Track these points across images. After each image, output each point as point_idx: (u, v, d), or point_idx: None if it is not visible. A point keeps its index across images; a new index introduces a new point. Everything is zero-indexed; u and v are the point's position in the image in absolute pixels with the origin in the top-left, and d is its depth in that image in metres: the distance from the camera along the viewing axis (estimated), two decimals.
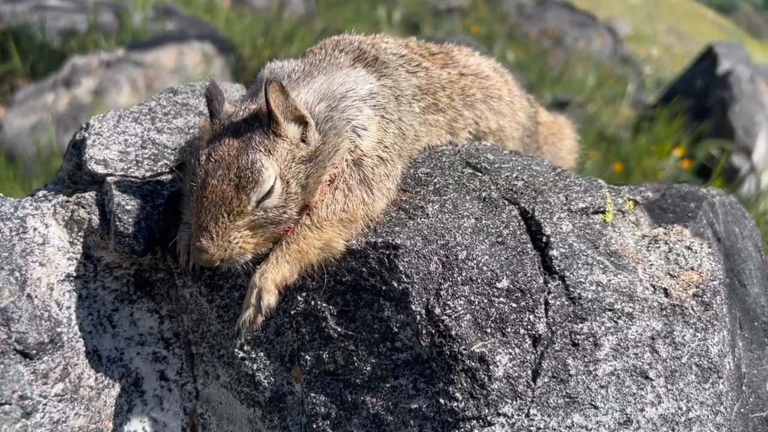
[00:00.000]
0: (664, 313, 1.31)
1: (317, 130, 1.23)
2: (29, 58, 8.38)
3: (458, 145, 1.49)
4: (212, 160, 1.17)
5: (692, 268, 1.38)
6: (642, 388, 1.28)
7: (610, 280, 1.30)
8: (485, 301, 1.21)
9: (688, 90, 8.91)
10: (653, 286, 1.33)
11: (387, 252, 1.21)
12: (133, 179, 1.33)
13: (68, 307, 1.24)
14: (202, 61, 7.89)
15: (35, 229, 1.25)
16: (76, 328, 1.24)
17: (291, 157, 1.19)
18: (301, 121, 1.21)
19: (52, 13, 8.59)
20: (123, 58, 7.78)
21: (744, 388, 1.52)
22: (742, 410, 1.46)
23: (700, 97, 8.64)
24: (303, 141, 1.21)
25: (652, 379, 1.29)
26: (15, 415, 1.10)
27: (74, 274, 1.27)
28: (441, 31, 11.90)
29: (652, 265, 1.37)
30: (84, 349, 1.24)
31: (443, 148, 1.48)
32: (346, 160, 1.26)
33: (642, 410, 1.28)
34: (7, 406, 1.09)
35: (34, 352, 1.13)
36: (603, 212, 1.40)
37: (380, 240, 1.22)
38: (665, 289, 1.34)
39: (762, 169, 8.01)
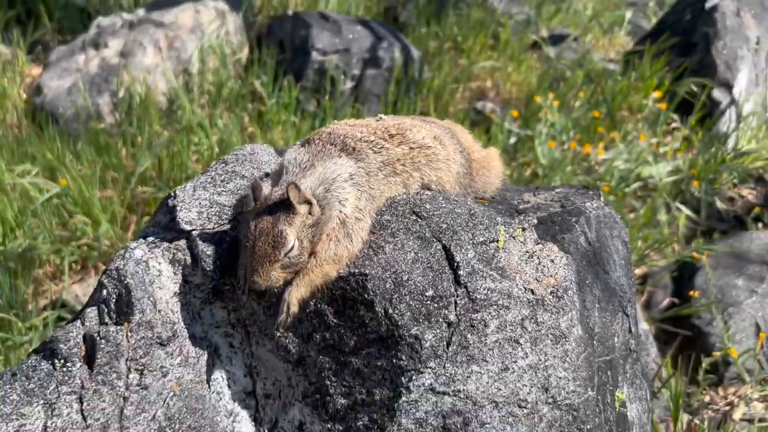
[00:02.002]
0: (531, 304, 2.18)
1: (318, 205, 2.08)
2: (55, 17, 9.02)
3: (409, 195, 2.33)
4: (257, 229, 2.02)
5: (551, 275, 2.24)
6: (515, 349, 2.17)
7: (496, 286, 2.16)
8: (419, 304, 2.09)
9: (677, 24, 9.30)
10: (525, 288, 2.20)
11: (361, 278, 2.08)
12: (207, 231, 2.19)
13: (176, 312, 2.14)
14: (216, 18, 8.51)
15: (154, 267, 2.13)
16: (182, 323, 2.14)
17: (303, 225, 2.04)
18: (308, 202, 2.05)
19: None
20: (144, 18, 8.41)
21: (595, 342, 2.41)
22: (588, 357, 2.35)
23: (687, 32, 9.06)
24: (310, 213, 2.06)
25: (521, 344, 2.17)
26: (158, 376, 2.01)
27: (178, 292, 2.16)
28: None
29: (526, 274, 2.23)
30: (187, 334, 2.15)
31: (400, 198, 2.32)
32: (336, 222, 2.11)
33: (515, 362, 2.17)
34: (154, 372, 2.00)
35: (165, 342, 2.03)
36: (496, 241, 2.25)
37: (357, 271, 2.09)
38: (532, 290, 2.20)
39: (742, 101, 8.57)
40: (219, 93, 7.58)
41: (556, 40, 10.24)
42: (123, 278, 2.05)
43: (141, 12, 8.36)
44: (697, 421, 4.82)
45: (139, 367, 1.98)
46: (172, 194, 2.28)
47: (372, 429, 2.13)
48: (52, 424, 1.87)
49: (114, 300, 2.04)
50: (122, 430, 1.94)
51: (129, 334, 1.97)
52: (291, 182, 2.00)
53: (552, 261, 2.28)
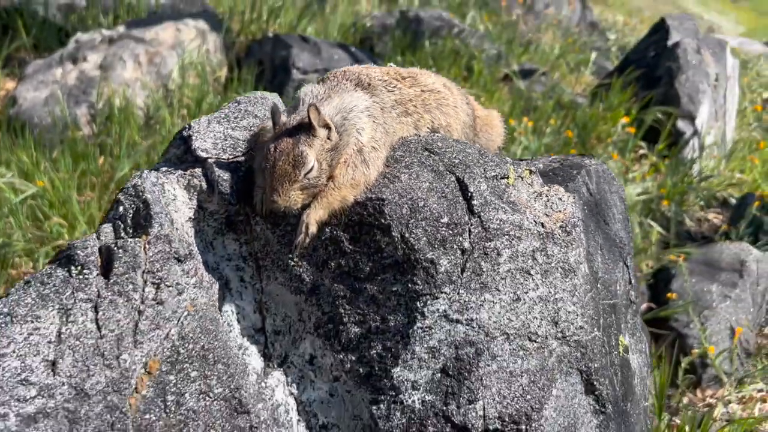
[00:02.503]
0: (541, 237, 2.23)
1: (336, 131, 2.11)
2: (32, 33, 9.00)
3: (420, 136, 2.38)
4: (278, 150, 2.04)
5: (560, 211, 2.30)
6: (527, 280, 2.20)
7: (508, 218, 2.21)
8: (434, 229, 2.12)
9: (641, 60, 9.70)
10: (535, 221, 2.24)
11: (378, 202, 2.11)
12: (222, 160, 2.20)
13: (191, 236, 2.13)
14: (197, 37, 8.59)
15: (169, 191, 2.12)
16: (196, 248, 2.13)
17: (322, 148, 2.07)
18: (327, 126, 2.08)
19: None
20: (124, 34, 8.44)
21: (599, 285, 2.46)
22: (594, 297, 2.39)
23: (652, 66, 9.43)
24: (328, 138, 2.09)
25: (532, 275, 2.21)
26: (174, 293, 1.98)
27: (193, 217, 2.15)
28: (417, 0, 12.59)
29: (535, 209, 2.29)
30: (201, 260, 2.13)
31: (411, 138, 2.37)
32: (353, 149, 2.14)
33: (527, 293, 2.20)
34: (170, 288, 1.97)
35: (183, 259, 2.01)
36: (507, 177, 2.31)
37: (374, 196, 2.12)
38: (542, 224, 2.25)
39: (704, 132, 8.91)
40: (199, 107, 7.60)
41: (526, 74, 10.57)
42: (141, 193, 2.03)
43: (121, 29, 8.39)
44: (677, 420, 4.86)
45: (156, 281, 1.94)
46: (187, 126, 2.29)
47: (385, 358, 2.13)
48: (66, 330, 1.82)
49: (131, 215, 2.02)
50: (136, 344, 1.89)
51: (147, 246, 1.95)
52: (311, 104, 2.04)
53: (560, 199, 2.34)
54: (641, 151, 8.64)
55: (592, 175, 2.64)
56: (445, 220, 2.14)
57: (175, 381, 1.94)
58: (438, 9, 11.49)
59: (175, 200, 2.12)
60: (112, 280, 1.90)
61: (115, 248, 1.92)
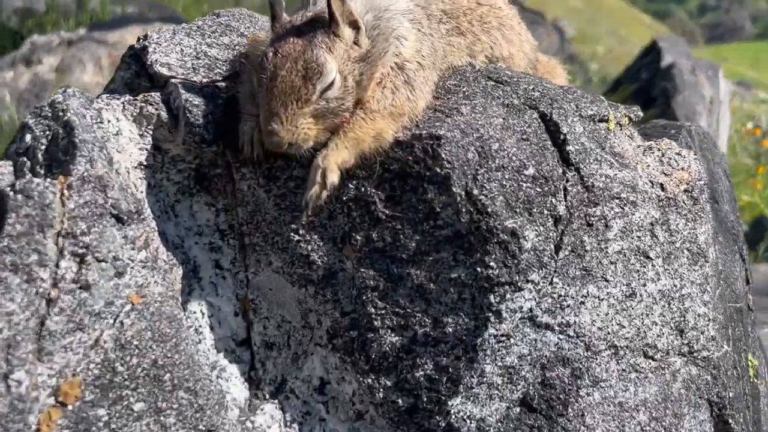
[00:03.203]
0: (661, 204, 1.53)
1: (366, 36, 1.40)
2: None
3: (476, 67, 1.68)
4: (280, 55, 1.32)
5: (682, 169, 1.60)
6: (644, 266, 1.49)
7: (616, 174, 1.51)
8: (515, 185, 1.40)
9: (634, 81, 9.28)
10: (651, 182, 1.55)
11: (430, 142, 1.39)
12: (193, 83, 1.47)
13: (141, 191, 1.38)
14: None
15: (109, 121, 1.38)
16: (149, 210, 1.38)
17: (347, 56, 1.36)
18: (354, 26, 1.38)
19: None
20: (85, 36, 7.75)
21: (722, 282, 1.76)
22: (722, 297, 1.69)
23: (646, 87, 9.00)
24: (356, 44, 1.38)
25: (652, 259, 1.50)
26: (109, 273, 1.22)
27: (144, 163, 1.41)
28: None
29: (648, 165, 1.59)
30: (157, 229, 1.37)
31: (464, 68, 1.66)
32: (391, 65, 1.43)
33: (644, 285, 1.49)
34: (103, 264, 1.21)
35: (125, 218, 1.25)
36: (606, 121, 1.61)
37: (424, 132, 1.40)
38: (661, 185, 1.55)
39: None
40: None
41: None
42: (60, 114, 1.27)
43: (82, 31, 7.68)
44: None
45: (79, 251, 1.18)
46: (141, 38, 1.56)
47: (438, 383, 1.38)
48: None
49: (43, 147, 1.26)
50: (41, 355, 1.12)
51: (66, 192, 1.19)
52: None
53: (678, 154, 1.64)
54: None
55: (693, 137, 1.96)
56: (529, 171, 1.42)
57: (107, 417, 1.17)
58: None
59: (118, 136, 1.37)
60: (2, 245, 1.13)
61: (11, 193, 1.16)
